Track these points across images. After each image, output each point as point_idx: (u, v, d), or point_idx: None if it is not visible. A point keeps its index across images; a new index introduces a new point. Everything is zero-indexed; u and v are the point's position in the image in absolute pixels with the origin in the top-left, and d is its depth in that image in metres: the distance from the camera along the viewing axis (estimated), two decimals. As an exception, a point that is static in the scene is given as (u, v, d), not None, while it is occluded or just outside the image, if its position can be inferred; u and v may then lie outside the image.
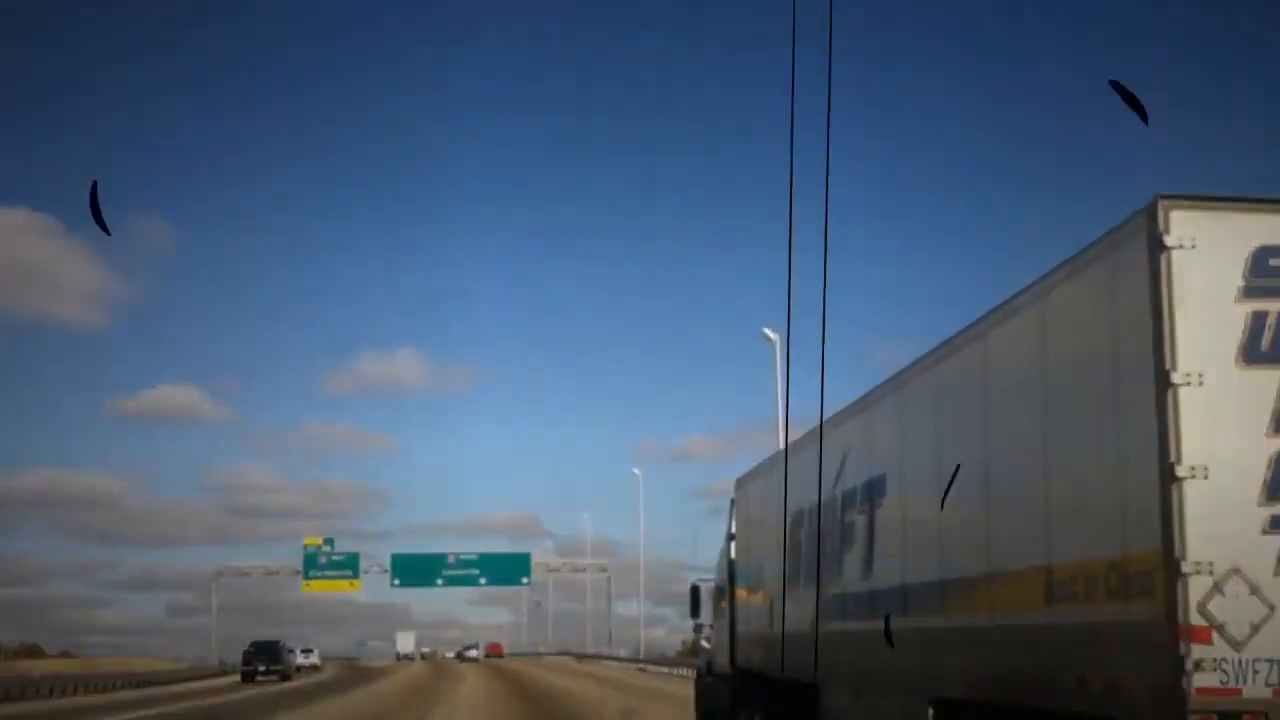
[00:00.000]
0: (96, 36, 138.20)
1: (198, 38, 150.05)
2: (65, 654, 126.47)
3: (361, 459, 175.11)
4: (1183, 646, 6.51)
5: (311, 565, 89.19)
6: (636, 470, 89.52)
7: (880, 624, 11.27)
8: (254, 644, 60.48)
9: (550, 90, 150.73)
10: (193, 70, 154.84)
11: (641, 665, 70.93)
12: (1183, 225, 6.93)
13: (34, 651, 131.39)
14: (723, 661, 18.87)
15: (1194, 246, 6.89)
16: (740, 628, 17.74)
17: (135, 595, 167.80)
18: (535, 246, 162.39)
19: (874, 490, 11.55)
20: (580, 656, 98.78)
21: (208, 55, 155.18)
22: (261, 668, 57.98)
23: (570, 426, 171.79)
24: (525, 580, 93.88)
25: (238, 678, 59.30)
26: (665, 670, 58.59)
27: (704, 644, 21.58)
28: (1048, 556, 7.92)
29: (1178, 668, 6.52)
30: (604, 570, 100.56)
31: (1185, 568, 6.54)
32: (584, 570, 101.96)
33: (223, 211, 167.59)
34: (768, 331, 37.91)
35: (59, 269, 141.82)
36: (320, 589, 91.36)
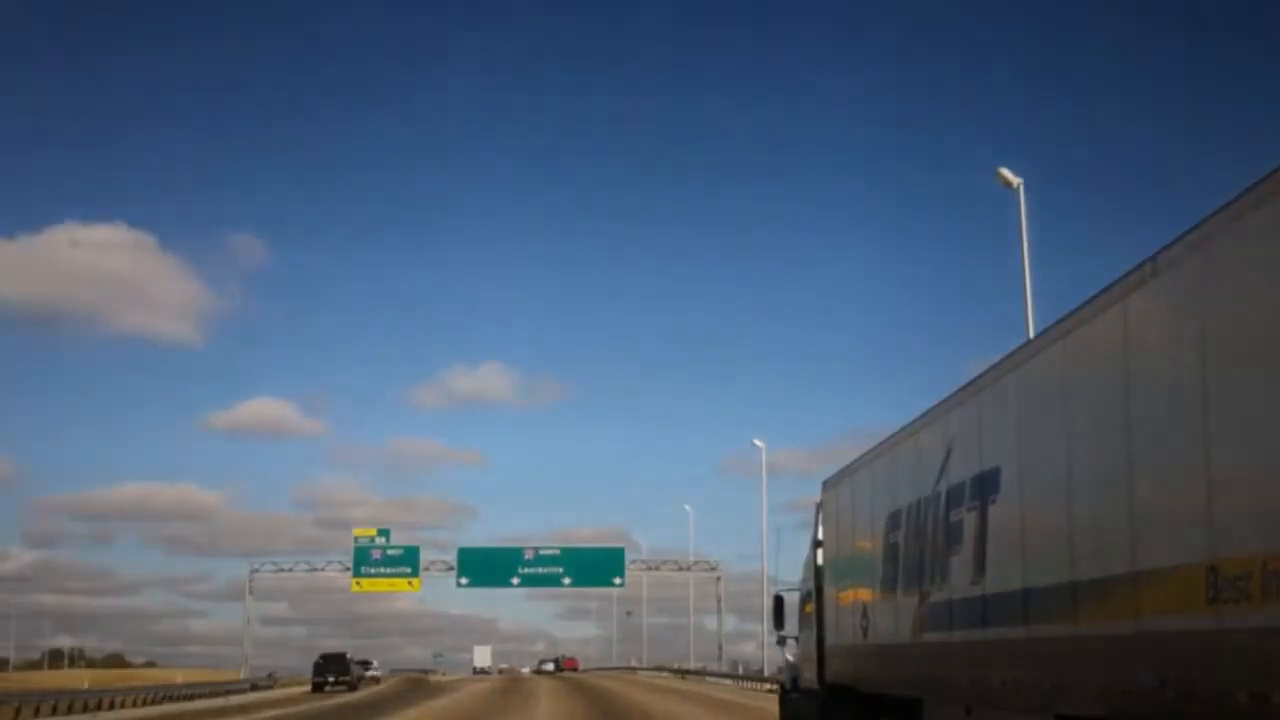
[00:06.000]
0: (194, 60, 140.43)
1: (294, 60, 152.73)
2: (150, 664, 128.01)
3: (448, 473, 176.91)
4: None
5: (363, 560, 74.31)
6: (758, 441, 73.76)
7: (994, 632, 10.16)
8: (323, 656, 63.10)
9: (635, 114, 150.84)
10: (288, 91, 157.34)
11: (770, 686, 48.73)
12: None
13: (118, 661, 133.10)
14: (810, 676, 17.74)
15: None
16: (829, 639, 16.62)
17: (227, 606, 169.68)
18: (622, 261, 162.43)
19: (986, 485, 10.41)
20: (683, 672, 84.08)
21: (304, 78, 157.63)
22: (331, 678, 60.15)
23: (657, 442, 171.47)
24: (618, 581, 79.81)
25: (257, 694, 57.22)
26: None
27: (788, 658, 20.44)
28: (1210, 550, 6.76)
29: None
30: (713, 569, 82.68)
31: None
32: (688, 569, 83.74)
33: (314, 228, 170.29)
34: (1006, 172, 29.26)
35: (155, 284, 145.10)
36: (372, 589, 76.37)
